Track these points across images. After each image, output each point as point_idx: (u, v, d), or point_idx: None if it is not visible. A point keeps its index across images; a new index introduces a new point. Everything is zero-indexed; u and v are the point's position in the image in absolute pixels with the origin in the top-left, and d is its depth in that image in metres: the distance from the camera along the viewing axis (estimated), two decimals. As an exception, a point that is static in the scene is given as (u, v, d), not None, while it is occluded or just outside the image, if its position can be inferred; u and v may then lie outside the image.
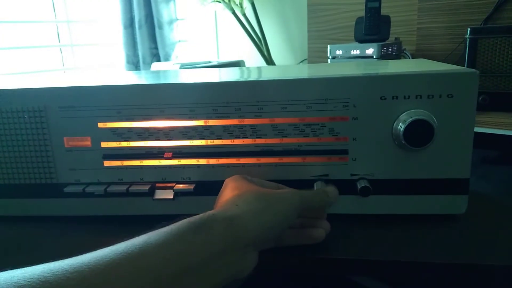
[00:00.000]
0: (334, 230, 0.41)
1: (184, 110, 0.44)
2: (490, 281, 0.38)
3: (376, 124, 0.43)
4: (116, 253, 0.27)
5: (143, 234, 0.30)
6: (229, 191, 0.38)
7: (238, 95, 0.44)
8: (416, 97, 0.41)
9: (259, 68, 0.72)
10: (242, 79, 0.46)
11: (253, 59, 1.45)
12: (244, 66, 1.34)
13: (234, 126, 0.44)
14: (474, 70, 0.40)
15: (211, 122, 0.45)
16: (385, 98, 0.42)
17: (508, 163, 0.67)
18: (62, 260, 0.26)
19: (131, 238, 0.30)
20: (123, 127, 0.46)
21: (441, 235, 0.42)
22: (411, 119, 0.40)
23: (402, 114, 0.42)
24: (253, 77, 0.51)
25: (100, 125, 0.46)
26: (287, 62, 1.45)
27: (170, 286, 0.27)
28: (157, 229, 0.30)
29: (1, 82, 0.54)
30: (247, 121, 0.44)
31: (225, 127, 0.45)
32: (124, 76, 0.61)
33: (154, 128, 0.45)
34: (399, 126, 0.41)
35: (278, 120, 0.44)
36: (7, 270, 0.24)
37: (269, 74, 0.54)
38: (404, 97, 0.41)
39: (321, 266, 0.41)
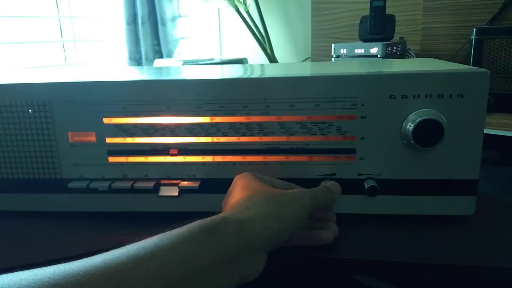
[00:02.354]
0: (339, 229, 0.41)
1: (191, 106, 0.44)
2: (495, 283, 0.37)
3: (384, 123, 0.42)
4: (127, 256, 0.26)
5: (148, 233, 0.30)
6: (239, 190, 0.37)
7: (245, 92, 0.43)
8: (426, 97, 0.41)
9: (265, 65, 0.72)
10: (249, 76, 0.46)
11: (256, 57, 1.45)
12: (247, 63, 1.33)
13: (241, 123, 0.44)
14: (485, 70, 0.40)
15: (218, 119, 0.44)
16: (394, 97, 0.41)
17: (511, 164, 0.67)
18: (73, 262, 0.25)
19: (136, 235, 0.29)
20: (129, 123, 0.45)
21: (446, 236, 0.42)
22: (420, 118, 0.40)
23: (411, 113, 0.41)
24: (261, 74, 0.50)
25: (105, 120, 0.45)
26: (290, 61, 1.44)
27: None
28: (168, 231, 0.30)
29: (4, 76, 0.53)
30: (254, 119, 0.44)
31: (231, 124, 0.44)
32: (129, 72, 0.60)
33: (160, 125, 0.45)
34: (408, 126, 0.41)
35: (285, 118, 0.43)
36: (16, 272, 0.24)
37: (277, 71, 0.53)
38: (414, 96, 0.41)
39: (326, 266, 0.40)
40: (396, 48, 1.00)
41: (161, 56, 1.55)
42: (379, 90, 0.41)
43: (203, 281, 0.28)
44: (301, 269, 0.43)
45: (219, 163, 0.45)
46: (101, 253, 0.27)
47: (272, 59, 1.32)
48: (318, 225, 0.41)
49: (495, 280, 0.37)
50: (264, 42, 1.31)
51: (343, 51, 1.02)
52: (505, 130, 0.75)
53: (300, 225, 0.37)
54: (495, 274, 0.37)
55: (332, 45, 1.02)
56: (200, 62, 1.19)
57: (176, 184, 0.46)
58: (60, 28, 1.48)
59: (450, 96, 0.41)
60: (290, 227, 0.35)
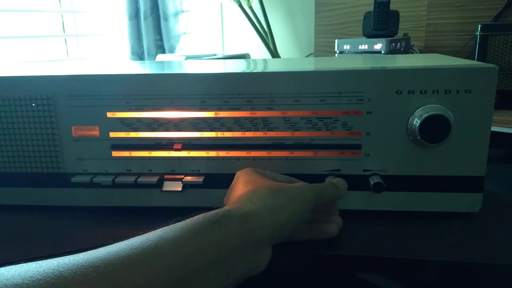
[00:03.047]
0: (344, 225, 0.41)
1: (195, 101, 0.44)
2: (501, 280, 0.37)
3: (391, 119, 0.42)
4: (132, 248, 0.26)
5: (151, 228, 0.29)
6: (242, 185, 0.37)
7: (250, 87, 0.43)
8: (433, 92, 0.40)
9: (270, 60, 0.71)
10: (255, 71, 0.45)
11: (258, 52, 1.44)
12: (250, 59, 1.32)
13: (245, 118, 0.44)
14: (493, 65, 0.40)
15: (222, 114, 0.44)
16: (401, 93, 0.41)
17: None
18: (77, 254, 0.25)
19: (140, 230, 0.29)
20: (132, 117, 0.45)
21: (452, 233, 0.41)
22: (427, 114, 0.39)
23: (418, 109, 0.41)
24: (266, 68, 0.50)
25: (109, 114, 0.45)
26: (293, 57, 1.44)
27: (185, 283, 0.27)
28: (172, 223, 0.30)
29: (7, 70, 0.53)
30: (259, 114, 0.43)
31: (236, 119, 0.44)
32: (133, 66, 0.60)
33: (164, 119, 0.45)
34: (414, 121, 0.40)
35: (290, 113, 0.43)
36: (21, 263, 0.24)
37: (282, 66, 0.53)
38: (421, 92, 0.41)
39: (329, 262, 0.40)
40: (400, 44, 1.00)
41: (163, 52, 1.55)
42: (385, 85, 0.41)
43: (208, 274, 0.28)
44: (304, 265, 0.42)
45: (223, 158, 0.45)
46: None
47: (275, 54, 1.31)
48: (322, 219, 0.40)
49: (500, 277, 0.37)
50: (267, 38, 1.30)
51: (346, 47, 1.01)
52: (510, 127, 0.74)
53: (304, 219, 0.37)
54: (501, 271, 0.37)
55: (336, 41, 1.02)
56: (202, 58, 1.19)
57: (180, 179, 0.46)
58: (63, 22, 1.47)
59: (458, 91, 0.40)
60: (294, 221, 0.35)
